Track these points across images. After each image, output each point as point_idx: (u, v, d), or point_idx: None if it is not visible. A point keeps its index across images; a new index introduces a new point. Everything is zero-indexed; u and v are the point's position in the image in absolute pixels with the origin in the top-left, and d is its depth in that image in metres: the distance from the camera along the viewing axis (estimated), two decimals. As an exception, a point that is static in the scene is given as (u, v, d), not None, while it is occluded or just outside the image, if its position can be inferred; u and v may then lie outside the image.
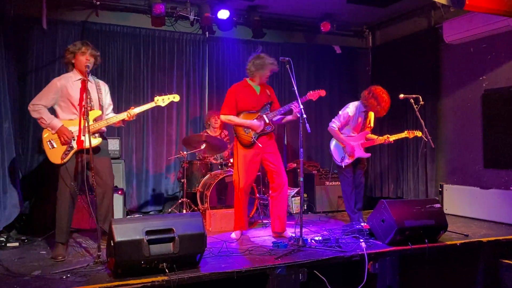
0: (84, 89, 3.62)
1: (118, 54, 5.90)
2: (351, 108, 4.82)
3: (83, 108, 3.50)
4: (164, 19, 6.07)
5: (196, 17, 6.10)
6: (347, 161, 4.80)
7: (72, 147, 3.64)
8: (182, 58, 6.27)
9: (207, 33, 6.37)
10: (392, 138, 4.82)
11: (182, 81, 6.27)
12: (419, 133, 4.80)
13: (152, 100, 3.88)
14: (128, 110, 3.80)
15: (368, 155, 4.89)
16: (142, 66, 6.04)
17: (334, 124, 4.85)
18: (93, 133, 3.64)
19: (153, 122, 6.10)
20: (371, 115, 4.94)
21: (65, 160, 3.61)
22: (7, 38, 4.52)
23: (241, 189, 4.26)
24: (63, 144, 3.63)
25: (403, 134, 4.82)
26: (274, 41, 6.78)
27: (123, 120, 3.85)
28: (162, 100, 3.85)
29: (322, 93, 4.36)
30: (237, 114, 4.30)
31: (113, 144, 5.35)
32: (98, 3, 5.47)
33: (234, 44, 6.54)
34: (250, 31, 6.56)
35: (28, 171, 5.25)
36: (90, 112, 3.56)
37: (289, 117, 4.40)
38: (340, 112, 4.89)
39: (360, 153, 4.81)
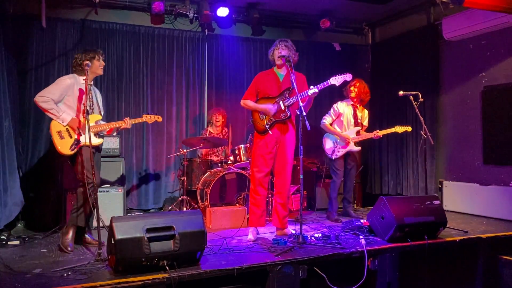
0: (85, 89, 3.73)
1: (118, 52, 5.89)
2: (338, 103, 5.31)
3: (86, 107, 3.60)
4: (163, 17, 6.07)
5: (195, 15, 6.10)
6: (338, 153, 5.19)
7: (79, 141, 3.75)
8: (182, 56, 6.26)
9: (206, 30, 6.38)
10: (381, 133, 5.16)
11: (181, 79, 6.27)
12: (409, 128, 5.12)
13: (144, 113, 4.42)
14: (125, 119, 4.11)
15: (359, 149, 5.22)
16: (141, 64, 6.04)
17: (326, 120, 5.32)
18: (96, 134, 3.94)
19: (152, 120, 6.11)
20: (364, 114, 5.32)
21: (73, 152, 3.74)
22: (7, 36, 4.52)
23: (255, 180, 4.12)
24: (72, 135, 3.76)
25: (393, 129, 5.10)
26: (273, 38, 6.70)
27: (117, 130, 4.20)
28: (150, 118, 4.30)
29: (348, 77, 4.03)
30: (258, 101, 4.21)
31: (113, 142, 5.35)
32: (97, 1, 5.45)
33: (233, 42, 6.53)
34: (250, 28, 6.56)
35: (28, 169, 5.25)
36: (92, 116, 3.80)
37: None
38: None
39: (351, 146, 5.15)
